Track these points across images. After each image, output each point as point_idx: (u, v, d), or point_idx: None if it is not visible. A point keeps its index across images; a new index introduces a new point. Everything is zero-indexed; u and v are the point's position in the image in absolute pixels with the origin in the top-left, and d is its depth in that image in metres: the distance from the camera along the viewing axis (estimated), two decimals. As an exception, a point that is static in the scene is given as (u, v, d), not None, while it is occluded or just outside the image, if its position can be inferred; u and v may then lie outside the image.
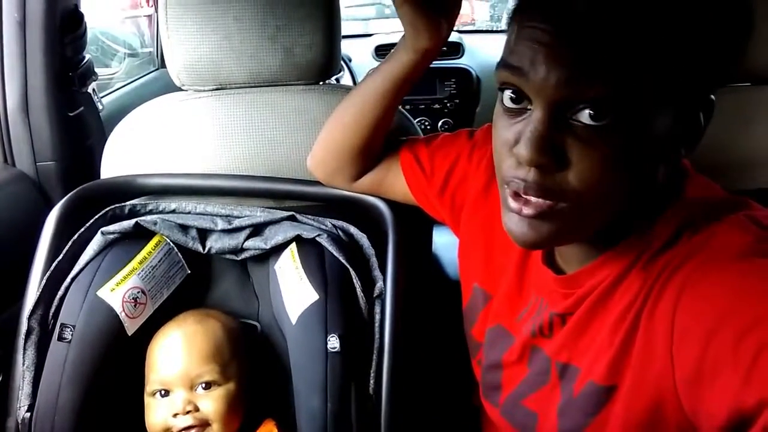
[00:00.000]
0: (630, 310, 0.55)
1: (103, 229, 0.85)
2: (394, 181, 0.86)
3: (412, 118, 0.99)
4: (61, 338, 0.78)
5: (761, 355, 0.42)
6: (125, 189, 0.93)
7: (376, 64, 1.91)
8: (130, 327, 0.81)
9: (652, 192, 0.55)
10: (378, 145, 0.85)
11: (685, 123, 0.52)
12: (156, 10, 1.66)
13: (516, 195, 0.53)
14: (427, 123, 1.80)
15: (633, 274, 0.55)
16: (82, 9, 1.13)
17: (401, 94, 0.79)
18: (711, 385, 0.46)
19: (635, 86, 0.47)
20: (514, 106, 0.52)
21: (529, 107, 0.51)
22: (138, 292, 0.83)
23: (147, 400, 0.79)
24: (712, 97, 0.52)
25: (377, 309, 0.82)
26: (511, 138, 0.52)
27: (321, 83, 0.96)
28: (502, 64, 0.52)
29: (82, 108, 1.13)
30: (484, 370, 0.76)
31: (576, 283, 0.61)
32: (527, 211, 0.52)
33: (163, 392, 0.77)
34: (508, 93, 0.52)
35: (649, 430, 0.54)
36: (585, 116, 0.48)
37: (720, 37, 0.50)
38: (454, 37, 1.96)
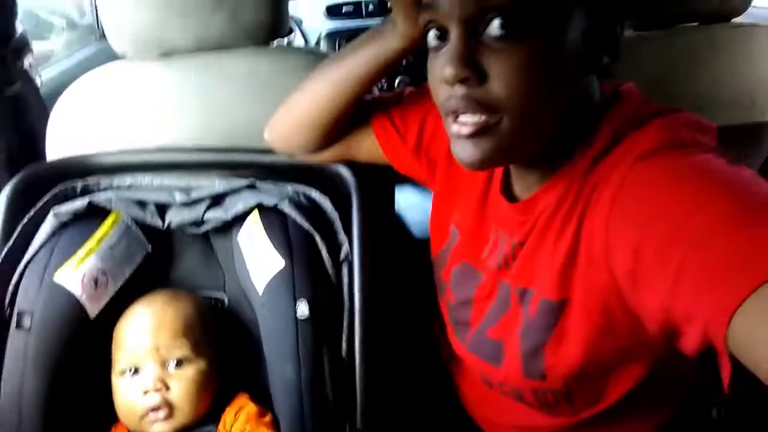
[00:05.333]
0: (570, 225, 0.58)
1: (55, 209, 0.82)
2: (360, 145, 0.85)
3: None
4: (19, 326, 0.75)
5: (682, 268, 0.45)
6: (76, 169, 0.89)
7: (329, 24, 1.88)
8: (92, 309, 0.79)
9: (591, 108, 0.58)
10: (348, 119, 0.82)
11: (599, 29, 0.55)
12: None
13: (456, 119, 0.56)
14: (382, 81, 1.78)
15: (573, 190, 0.58)
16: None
17: (383, 75, 0.77)
18: (645, 291, 0.49)
19: None
20: (438, 42, 0.57)
21: (448, 37, 0.55)
22: (98, 273, 0.80)
23: (115, 381, 0.77)
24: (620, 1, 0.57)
25: (344, 273, 0.82)
26: (439, 68, 0.56)
27: (271, 45, 0.93)
28: (422, 7, 0.57)
29: (19, 84, 1.07)
30: (452, 308, 0.77)
31: (529, 208, 0.63)
32: (466, 129, 0.55)
33: (132, 370, 0.76)
34: (432, 33, 0.57)
35: (605, 335, 0.57)
36: (496, 28, 0.52)
37: None
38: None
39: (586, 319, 0.58)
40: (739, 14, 1.02)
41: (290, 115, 0.83)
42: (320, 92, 0.79)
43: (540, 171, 0.62)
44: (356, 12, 1.90)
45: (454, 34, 0.54)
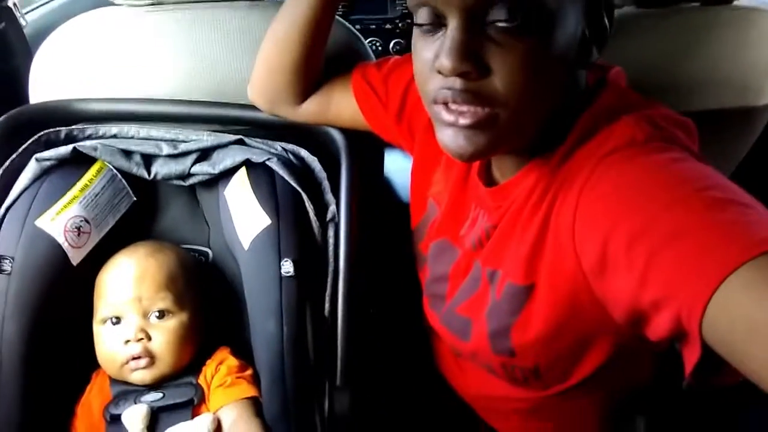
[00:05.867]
0: (540, 212, 0.58)
1: (38, 155, 0.81)
2: (341, 107, 0.84)
3: (362, 38, 0.95)
4: (0, 271, 0.75)
5: (651, 261, 0.45)
6: (62, 114, 0.87)
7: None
8: (75, 257, 0.78)
9: (572, 98, 0.58)
10: (317, 62, 0.81)
11: (592, 22, 0.55)
12: None
13: (448, 108, 0.53)
14: (378, 44, 1.75)
15: (544, 180, 0.58)
16: None
17: (329, 12, 0.76)
18: (612, 280, 0.50)
19: None
20: (429, 27, 0.53)
21: (444, 23, 0.52)
22: (81, 221, 0.79)
23: (96, 328, 0.77)
24: None
25: (330, 233, 0.82)
26: (431, 56, 0.53)
27: (266, -2, 0.91)
28: None
29: (2, 24, 1.04)
30: (429, 282, 0.78)
31: (504, 193, 0.63)
32: (464, 120, 0.53)
33: (114, 320, 0.76)
34: (423, 13, 0.53)
35: (571, 320, 0.58)
36: (501, 18, 0.49)
37: None
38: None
39: (552, 304, 0.59)
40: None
41: (261, 63, 0.82)
42: (280, 34, 0.78)
43: (519, 156, 0.61)
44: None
45: (453, 23, 0.50)
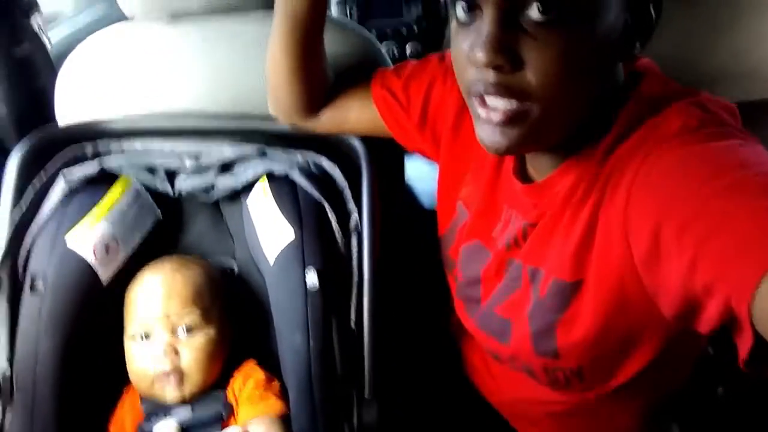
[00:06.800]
0: (586, 206, 0.57)
1: (66, 173, 0.82)
2: (361, 116, 0.83)
3: (378, 43, 0.95)
4: (33, 289, 0.76)
5: (702, 245, 0.44)
6: (87, 134, 0.88)
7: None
8: (104, 274, 0.80)
9: (611, 91, 0.57)
10: (317, 70, 0.81)
11: (636, 13, 0.53)
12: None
13: (483, 102, 0.54)
14: (395, 48, 1.74)
15: (590, 173, 0.57)
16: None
17: (316, 22, 0.75)
18: (664, 267, 0.49)
19: None
20: (466, 18, 0.53)
21: (480, 15, 0.52)
22: (109, 239, 0.81)
23: (127, 344, 0.78)
24: None
25: (354, 242, 0.82)
26: (467, 47, 0.53)
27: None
28: None
29: (28, 45, 1.06)
30: (461, 285, 0.77)
31: (543, 190, 0.62)
32: (496, 117, 0.53)
33: (143, 335, 0.77)
34: (460, 6, 0.53)
35: (619, 315, 0.58)
36: (533, 12, 0.49)
37: None
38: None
39: (600, 300, 0.58)
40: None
41: (271, 76, 0.82)
42: (276, 46, 0.78)
43: (556, 154, 0.61)
44: (367, -24, 1.83)
45: (488, 16, 0.50)
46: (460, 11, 0.54)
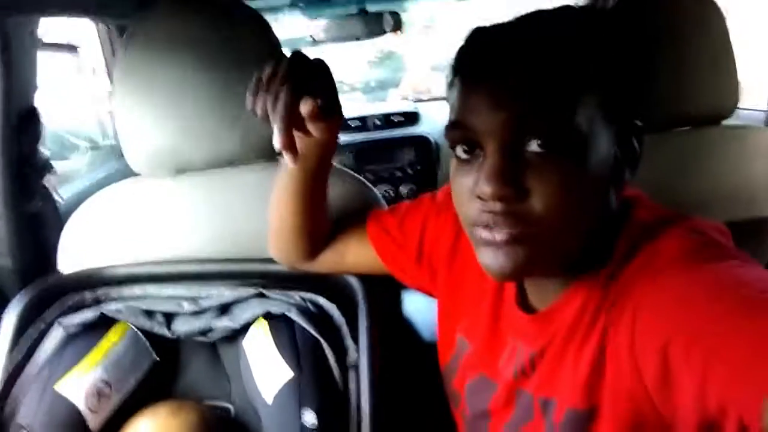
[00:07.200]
0: (594, 333, 0.57)
1: (64, 322, 0.83)
2: (358, 256, 0.86)
3: (373, 187, 0.99)
4: (17, 441, 0.74)
5: (710, 363, 0.44)
6: (88, 281, 0.90)
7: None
8: (93, 422, 0.77)
9: (607, 218, 0.58)
10: (319, 223, 0.84)
11: (623, 146, 0.57)
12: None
13: (487, 228, 0.55)
14: (390, 190, 1.81)
15: (593, 301, 0.57)
16: (41, 104, 1.14)
17: (323, 176, 0.79)
18: (676, 392, 0.48)
19: (571, 117, 0.52)
20: (467, 156, 0.56)
21: (481, 154, 0.55)
22: (102, 384, 0.79)
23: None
24: (638, 122, 0.58)
25: (351, 379, 0.80)
26: (471, 183, 0.55)
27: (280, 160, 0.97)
28: (451, 126, 0.57)
29: (39, 203, 1.12)
30: (469, 420, 0.75)
31: (548, 319, 0.62)
32: (500, 236, 0.54)
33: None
34: (460, 148, 0.57)
35: None
36: (534, 147, 0.52)
37: (626, 77, 0.58)
38: (410, 106, 2.02)
39: (616, 427, 0.56)
40: (729, 115, 1.06)
41: (271, 225, 0.85)
42: (279, 202, 0.81)
43: (557, 281, 0.61)
44: (363, 126, 1.93)
45: (492, 150, 0.53)
46: (460, 151, 0.57)
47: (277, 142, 0.62)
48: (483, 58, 0.56)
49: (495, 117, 0.53)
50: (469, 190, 0.56)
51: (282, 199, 0.80)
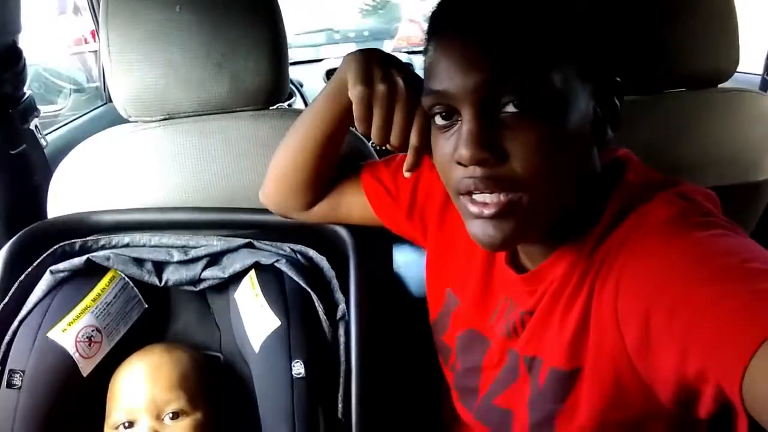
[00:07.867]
0: (580, 295, 0.58)
1: (52, 267, 0.82)
2: (350, 206, 0.86)
3: (365, 140, 0.99)
4: (10, 385, 0.74)
5: (691, 330, 0.45)
6: (77, 227, 0.90)
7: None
8: (85, 367, 0.78)
9: (594, 179, 0.59)
10: (328, 173, 0.84)
11: (602, 104, 0.57)
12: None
13: (472, 200, 0.55)
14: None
15: (582, 261, 0.58)
16: (24, 46, 1.10)
17: (345, 128, 0.78)
18: (656, 356, 0.49)
19: (545, 76, 0.52)
20: (445, 122, 0.57)
21: (458, 119, 0.55)
22: (92, 331, 0.79)
23: (107, 435, 0.75)
24: (618, 79, 0.58)
25: (341, 331, 0.81)
26: (450, 149, 0.56)
27: (270, 108, 0.95)
28: (427, 92, 0.57)
29: (24, 146, 1.10)
30: (459, 375, 0.76)
31: (537, 279, 0.63)
32: (488, 211, 0.54)
33: (126, 424, 0.74)
34: (438, 115, 0.57)
35: (617, 406, 0.56)
36: (510, 108, 0.52)
37: (603, 33, 0.59)
38: (404, 58, 1.98)
39: (597, 389, 0.57)
40: (726, 79, 1.05)
41: (273, 172, 0.84)
42: (292, 147, 0.81)
43: (546, 243, 0.62)
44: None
45: (467, 115, 0.53)
46: (438, 118, 0.57)
47: (408, 168, 0.66)
48: (455, 19, 0.55)
49: (469, 79, 0.53)
50: (450, 156, 0.56)
51: (306, 147, 0.79)
